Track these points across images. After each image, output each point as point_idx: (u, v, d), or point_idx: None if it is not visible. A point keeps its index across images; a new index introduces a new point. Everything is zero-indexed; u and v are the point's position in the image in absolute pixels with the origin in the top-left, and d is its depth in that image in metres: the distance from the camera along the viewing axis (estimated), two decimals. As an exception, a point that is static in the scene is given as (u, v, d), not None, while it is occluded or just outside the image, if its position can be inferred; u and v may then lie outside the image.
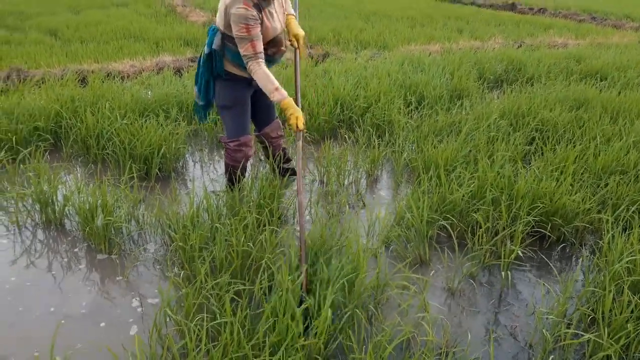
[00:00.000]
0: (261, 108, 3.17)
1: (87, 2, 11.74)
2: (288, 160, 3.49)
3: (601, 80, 5.91)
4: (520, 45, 7.98)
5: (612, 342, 1.99)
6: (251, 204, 2.83)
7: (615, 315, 2.10)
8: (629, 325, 2.04)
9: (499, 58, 6.52)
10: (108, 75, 5.34)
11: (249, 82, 2.92)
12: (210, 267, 2.38)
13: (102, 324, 2.19)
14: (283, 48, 2.90)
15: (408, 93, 4.94)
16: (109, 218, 2.71)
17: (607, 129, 3.96)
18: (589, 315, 2.24)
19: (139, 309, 2.29)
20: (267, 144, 3.29)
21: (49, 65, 5.64)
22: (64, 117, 3.94)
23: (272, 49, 2.84)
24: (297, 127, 2.58)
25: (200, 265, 2.28)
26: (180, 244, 2.47)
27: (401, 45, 7.63)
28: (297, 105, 2.67)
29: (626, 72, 6.11)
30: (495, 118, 4.10)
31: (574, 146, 3.62)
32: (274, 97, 2.62)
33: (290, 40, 2.91)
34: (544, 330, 2.12)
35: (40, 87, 4.67)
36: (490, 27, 10.06)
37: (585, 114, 4.35)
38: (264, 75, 2.62)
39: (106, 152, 3.60)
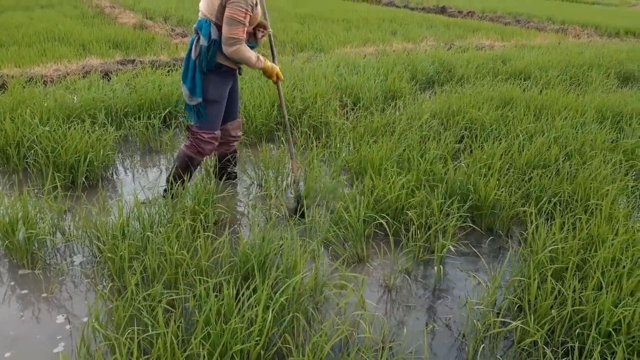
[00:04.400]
0: (230, 103, 3.23)
1: (9, 3, 11.08)
2: (235, 164, 3.52)
3: (525, 80, 6.24)
4: (451, 47, 8.28)
5: (538, 328, 2.09)
6: (185, 210, 2.76)
7: (540, 302, 2.21)
8: (552, 311, 2.15)
9: (431, 59, 6.74)
10: (30, 80, 5.05)
11: (234, 72, 3.06)
12: (142, 277, 2.29)
13: (26, 342, 2.06)
14: (269, 30, 3.09)
15: (344, 95, 5.00)
16: (31, 231, 2.55)
17: (530, 126, 4.18)
18: (516, 304, 2.35)
19: (67, 326, 2.17)
20: (223, 140, 3.32)
21: (-37, 70, 5.27)
22: (-20, 126, 3.68)
23: (260, 32, 3.03)
24: (278, 78, 3.07)
25: (130, 276, 2.19)
26: (110, 255, 2.37)
27: (337, 48, 7.72)
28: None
29: (547, 72, 6.48)
30: (427, 118, 4.22)
31: (500, 143, 3.79)
32: (258, 64, 2.94)
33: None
34: (475, 320, 2.20)
35: (-48, 93, 4.35)
36: (422, 30, 10.37)
37: (510, 112, 4.57)
38: (246, 51, 2.86)
39: (27, 161, 3.39)
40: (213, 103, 3.03)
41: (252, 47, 2.99)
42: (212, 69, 2.93)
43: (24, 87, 4.55)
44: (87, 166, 3.30)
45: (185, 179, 3.07)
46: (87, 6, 11.31)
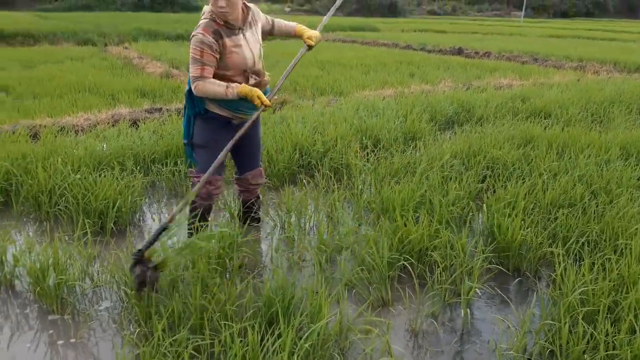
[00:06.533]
0: (245, 154, 3.24)
1: (41, 57, 11.63)
2: (258, 209, 3.52)
3: (545, 118, 6.23)
4: (469, 88, 8.36)
5: (571, 374, 2.03)
6: (210, 254, 2.79)
7: (572, 347, 2.15)
8: (585, 356, 2.09)
9: (449, 100, 6.80)
10: (61, 130, 5.25)
11: (228, 121, 2.99)
12: (167, 323, 2.30)
13: (53, 392, 2.08)
14: (266, 79, 3.03)
15: (364, 137, 5.06)
16: (61, 277, 2.61)
17: (553, 164, 4.15)
18: (547, 349, 2.28)
19: (94, 373, 2.19)
20: (244, 188, 3.34)
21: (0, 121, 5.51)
22: (15, 174, 3.83)
23: (254, 80, 2.92)
24: (262, 105, 2.75)
25: (157, 322, 2.21)
26: (135, 300, 2.40)
27: (356, 91, 7.87)
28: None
29: (568, 109, 6.47)
30: (448, 158, 4.24)
31: (524, 182, 3.77)
32: (229, 94, 2.74)
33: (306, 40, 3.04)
34: (505, 367, 2.14)
35: (-11, 144, 4.54)
36: (439, 71, 10.52)
37: (532, 151, 4.56)
38: (210, 86, 2.74)
39: (58, 208, 3.50)
40: (200, 148, 3.02)
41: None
42: (200, 113, 2.95)
43: (55, 136, 4.74)
44: (116, 212, 3.39)
45: (196, 222, 3.05)
46: (116, 58, 11.82)
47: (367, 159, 4.54)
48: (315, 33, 3.07)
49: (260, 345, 2.08)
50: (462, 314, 2.59)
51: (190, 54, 2.74)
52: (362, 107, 6.19)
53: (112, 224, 3.36)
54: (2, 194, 3.80)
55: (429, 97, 6.98)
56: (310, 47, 3.05)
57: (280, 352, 2.01)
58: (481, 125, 5.90)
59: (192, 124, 3.02)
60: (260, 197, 3.54)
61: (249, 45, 2.89)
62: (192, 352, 2.09)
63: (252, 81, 2.91)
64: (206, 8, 2.81)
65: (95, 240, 3.21)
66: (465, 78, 9.60)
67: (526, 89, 8.12)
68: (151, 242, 2.47)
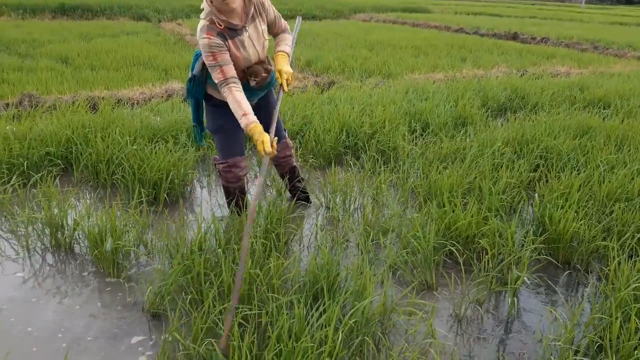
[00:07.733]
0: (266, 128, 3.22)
1: (98, 30, 12.00)
2: (300, 179, 3.52)
3: (604, 109, 5.97)
4: (524, 74, 8.08)
5: (621, 370, 1.98)
6: (258, 228, 2.86)
7: (623, 342, 2.09)
8: (636, 352, 2.03)
9: (503, 86, 6.61)
10: (118, 102, 5.45)
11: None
12: (218, 291, 2.39)
13: (110, 347, 2.20)
14: (264, 74, 2.87)
15: (412, 120, 5.00)
16: (118, 242, 2.74)
17: (611, 157, 3.99)
18: (596, 343, 2.23)
19: (148, 333, 2.30)
20: (275, 162, 3.36)
21: (60, 91, 5.76)
22: (75, 143, 4.01)
23: (254, 79, 2.83)
24: (264, 151, 2.55)
25: (207, 290, 2.30)
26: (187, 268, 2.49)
27: (405, 74, 7.75)
28: (270, 137, 2.59)
29: (629, 101, 6.17)
30: (500, 145, 4.14)
31: (579, 173, 3.65)
32: (242, 122, 2.63)
33: (277, 77, 2.84)
34: (552, 358, 2.11)
35: (51, 113, 4.77)
36: (493, 56, 10.20)
37: (589, 141, 4.39)
38: (233, 101, 2.62)
39: (116, 177, 3.65)
40: (214, 133, 3.02)
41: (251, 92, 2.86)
42: (203, 99, 2.93)
43: (113, 108, 4.92)
44: (169, 183, 3.51)
45: (241, 205, 3.14)
46: (170, 34, 12.05)
47: (415, 143, 4.49)
48: (286, 69, 2.81)
49: (305, 319, 2.13)
50: (509, 302, 2.56)
51: (205, 62, 2.64)
52: (411, 90, 6.11)
53: (165, 195, 3.49)
54: (62, 161, 4.00)
55: (482, 82, 6.80)
56: (282, 86, 2.78)
57: (325, 327, 2.05)
58: (535, 113, 5.71)
59: (201, 109, 3.01)
60: (298, 168, 3.52)
61: (253, 43, 2.75)
62: (240, 321, 2.16)
63: (252, 83, 2.83)
64: (205, 6, 2.64)
65: (149, 210, 3.35)
66: (520, 64, 9.27)
67: (585, 78, 7.78)
68: None
